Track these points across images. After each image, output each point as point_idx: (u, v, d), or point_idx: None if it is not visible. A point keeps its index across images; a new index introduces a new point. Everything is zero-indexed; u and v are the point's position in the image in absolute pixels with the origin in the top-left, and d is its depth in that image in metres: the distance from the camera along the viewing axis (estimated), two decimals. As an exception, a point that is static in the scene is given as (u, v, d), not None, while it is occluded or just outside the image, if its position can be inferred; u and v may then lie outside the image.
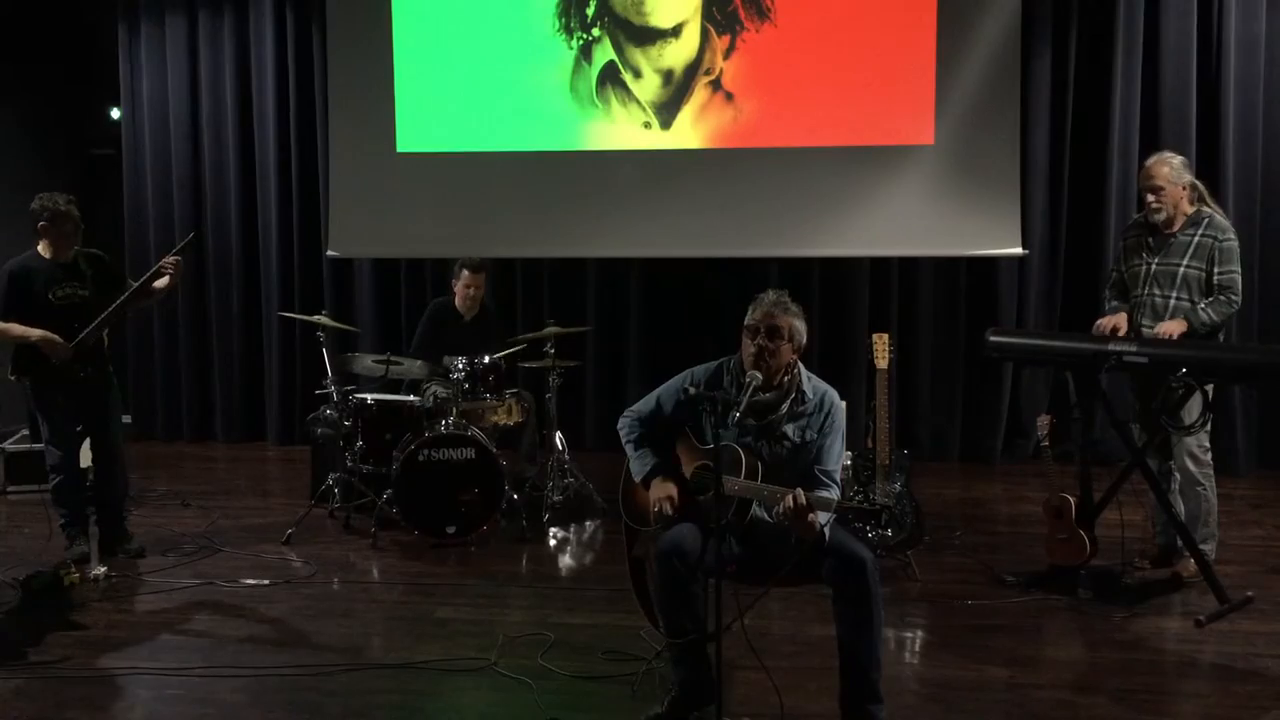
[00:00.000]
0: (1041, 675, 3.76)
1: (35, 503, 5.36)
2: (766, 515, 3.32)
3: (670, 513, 3.33)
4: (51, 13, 7.72)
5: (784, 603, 4.20)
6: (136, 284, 4.94)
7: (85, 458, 5.12)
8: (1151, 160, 4.60)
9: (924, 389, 7.05)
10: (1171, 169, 4.50)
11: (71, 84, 7.91)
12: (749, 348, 3.34)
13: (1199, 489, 4.54)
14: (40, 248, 4.88)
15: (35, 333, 4.74)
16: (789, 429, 3.39)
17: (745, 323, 3.37)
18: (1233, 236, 4.47)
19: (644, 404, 3.59)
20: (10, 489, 6.20)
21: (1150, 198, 4.53)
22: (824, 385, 3.47)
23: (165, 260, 4.95)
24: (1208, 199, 4.58)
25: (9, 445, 6.35)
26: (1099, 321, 4.63)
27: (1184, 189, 4.50)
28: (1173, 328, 4.37)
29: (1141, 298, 4.58)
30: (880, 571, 3.27)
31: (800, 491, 3.09)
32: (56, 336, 4.74)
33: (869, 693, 3.21)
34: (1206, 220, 4.48)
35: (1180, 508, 4.52)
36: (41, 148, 7.73)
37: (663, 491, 3.39)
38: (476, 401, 5.42)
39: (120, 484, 5.22)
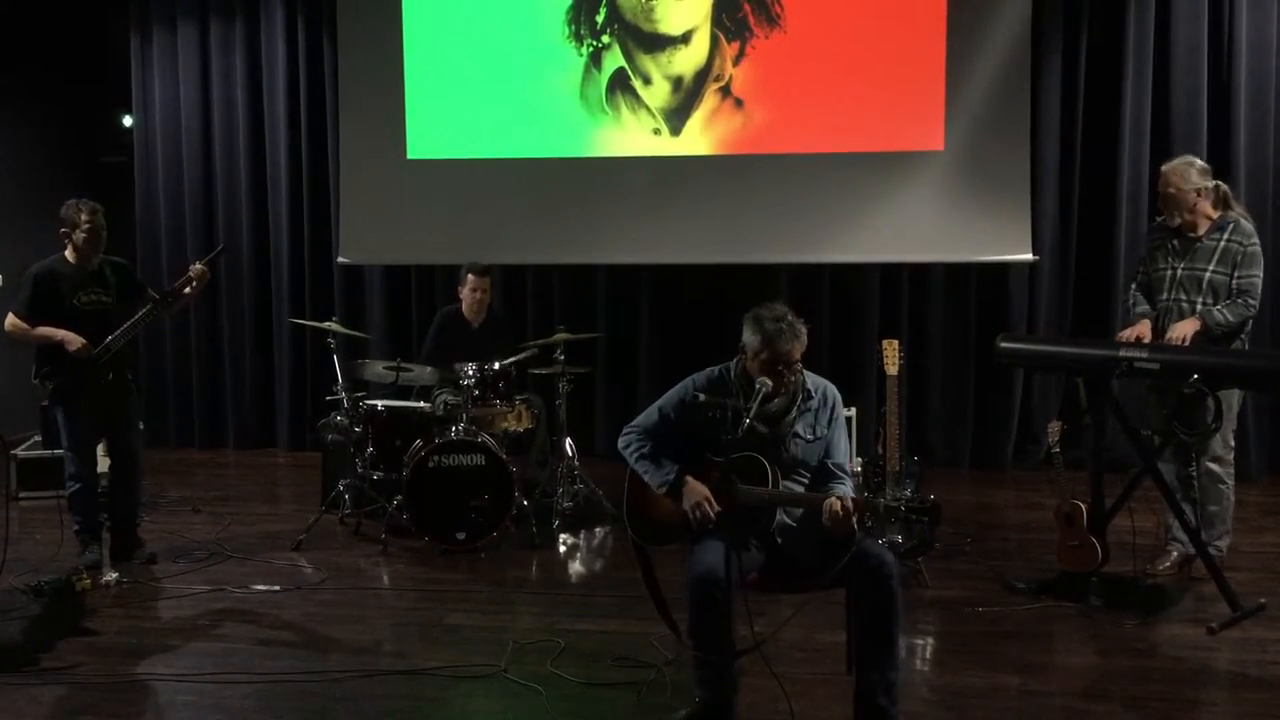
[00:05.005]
0: (1053, 682, 3.74)
1: (47, 509, 5.38)
2: (788, 519, 3.34)
3: (711, 514, 3.28)
4: (64, 20, 7.76)
5: (796, 607, 4.19)
6: (164, 294, 4.98)
7: (102, 464, 5.15)
8: (1166, 167, 4.58)
9: (934, 395, 7.03)
10: (1182, 176, 4.48)
11: (84, 91, 7.96)
12: (760, 374, 3.32)
13: (1221, 487, 4.55)
14: (67, 253, 4.92)
15: (60, 333, 4.78)
16: (799, 427, 3.42)
17: (760, 357, 3.30)
18: (1257, 242, 4.46)
19: (645, 417, 3.57)
20: (22, 495, 6.22)
21: (1163, 206, 4.53)
22: (822, 380, 3.50)
23: (193, 268, 4.99)
24: (1233, 203, 4.56)
25: (21, 451, 6.37)
26: (1122, 332, 4.61)
27: (1198, 194, 4.47)
28: (1186, 328, 4.37)
29: (1167, 303, 4.56)
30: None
31: (835, 499, 3.14)
32: (80, 338, 4.78)
33: (887, 693, 3.20)
34: (1232, 225, 4.46)
35: (1190, 514, 4.50)
36: (54, 155, 7.79)
37: (697, 494, 3.33)
38: (486, 408, 5.42)
39: (136, 491, 5.24)
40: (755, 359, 3.33)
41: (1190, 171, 4.49)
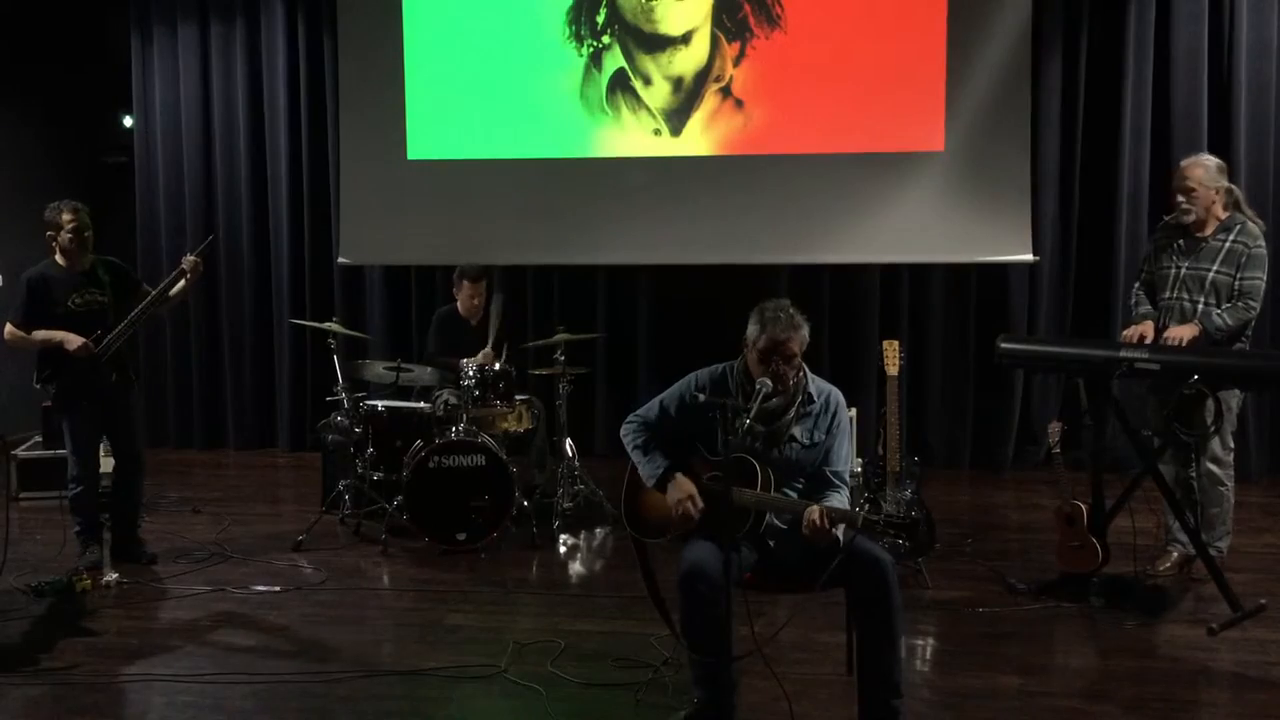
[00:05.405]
0: (1053, 683, 3.75)
1: (48, 509, 5.38)
2: (779, 521, 3.34)
3: (694, 512, 3.30)
4: (64, 20, 7.76)
5: (792, 610, 4.19)
6: (159, 289, 4.96)
7: (105, 464, 5.14)
8: (1186, 161, 4.58)
9: (934, 396, 7.04)
10: (1205, 171, 4.48)
11: (84, 91, 7.95)
12: (758, 368, 3.32)
13: (1221, 489, 4.57)
14: (56, 257, 4.91)
15: (59, 334, 4.77)
16: (797, 431, 3.40)
17: (757, 346, 3.31)
18: (1263, 244, 4.46)
19: (647, 410, 3.57)
20: (23, 495, 6.22)
21: (1181, 199, 4.52)
22: (828, 385, 3.48)
23: (185, 260, 4.97)
24: (1243, 205, 4.56)
25: (21, 452, 6.37)
26: (1125, 331, 4.61)
27: (1217, 193, 4.48)
28: (1184, 332, 4.37)
29: (1170, 302, 4.56)
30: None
31: (816, 508, 3.13)
32: (80, 337, 4.77)
33: (890, 689, 3.20)
34: (1239, 226, 4.46)
35: (1192, 516, 4.50)
36: (54, 155, 7.78)
37: (682, 491, 3.34)
38: (486, 408, 5.43)
39: (138, 491, 5.24)
40: (754, 349, 3.33)
41: (1212, 168, 4.51)
